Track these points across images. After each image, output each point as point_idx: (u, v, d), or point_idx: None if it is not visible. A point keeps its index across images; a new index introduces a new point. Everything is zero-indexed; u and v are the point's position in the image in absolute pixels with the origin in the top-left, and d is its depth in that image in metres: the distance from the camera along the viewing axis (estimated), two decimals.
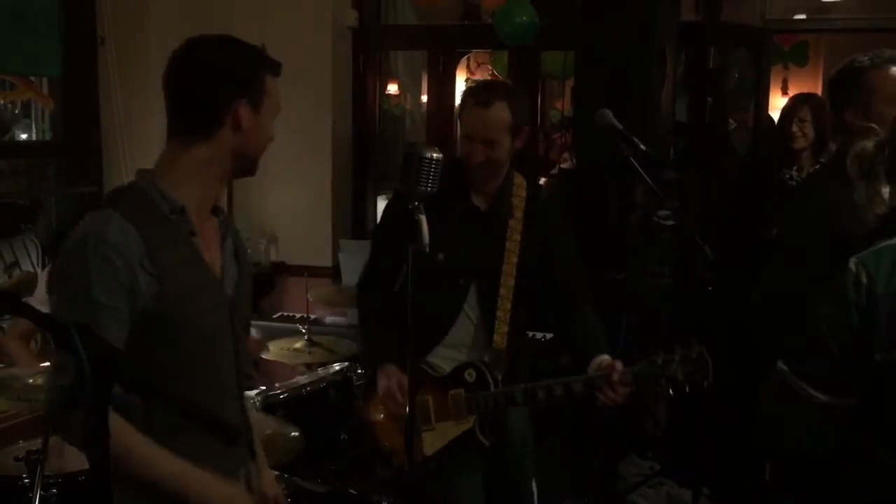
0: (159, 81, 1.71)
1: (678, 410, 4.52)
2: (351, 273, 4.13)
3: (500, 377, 2.51)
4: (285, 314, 4.49)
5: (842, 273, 1.79)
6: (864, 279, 1.74)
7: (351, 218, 5.03)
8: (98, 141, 4.09)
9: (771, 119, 4.82)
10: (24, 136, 4.77)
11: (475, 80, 6.17)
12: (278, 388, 3.31)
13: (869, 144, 1.90)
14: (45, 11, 3.85)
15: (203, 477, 1.63)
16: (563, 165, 5.14)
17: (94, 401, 1.10)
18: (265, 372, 3.67)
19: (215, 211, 1.78)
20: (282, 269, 4.85)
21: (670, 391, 2.33)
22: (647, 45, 3.70)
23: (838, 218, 2.13)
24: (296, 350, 3.54)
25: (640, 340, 3.67)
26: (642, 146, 2.84)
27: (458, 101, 4.32)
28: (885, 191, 1.86)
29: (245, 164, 1.76)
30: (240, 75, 1.68)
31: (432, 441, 2.49)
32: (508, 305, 2.52)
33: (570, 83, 4.52)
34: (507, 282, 2.52)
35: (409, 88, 6.34)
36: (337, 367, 3.51)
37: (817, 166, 3.90)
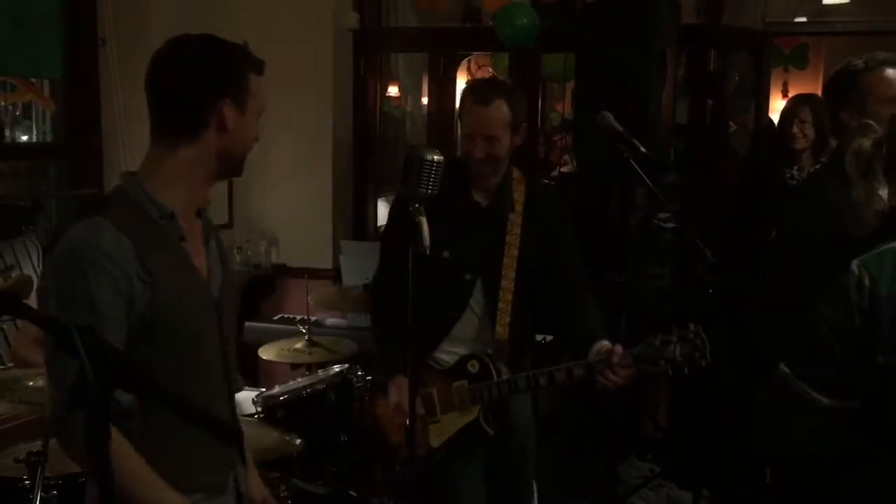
0: None
1: (678, 413, 4.52)
2: (351, 275, 4.13)
3: (502, 367, 2.56)
4: (286, 316, 4.49)
5: (844, 275, 1.78)
6: (867, 281, 1.74)
7: (351, 220, 5.03)
8: (99, 143, 4.09)
9: (771, 121, 4.82)
10: (24, 138, 4.78)
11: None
12: (278, 390, 3.31)
13: (867, 143, 1.91)
14: (46, 13, 3.86)
15: None
16: (564, 169, 5.14)
17: (96, 402, 1.10)
18: None
19: (198, 212, 1.78)
20: (282, 271, 4.86)
21: (669, 372, 2.34)
22: (647, 47, 3.70)
23: (838, 218, 2.14)
24: (296, 351, 3.55)
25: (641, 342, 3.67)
26: (642, 148, 2.85)
27: (458, 103, 4.33)
28: (884, 189, 1.86)
29: (231, 165, 1.73)
30: (223, 75, 1.66)
31: (438, 432, 2.54)
32: (510, 297, 2.57)
33: (570, 85, 4.53)
34: (508, 274, 2.57)
35: (410, 91, 6.34)
36: (337, 368, 3.51)
37: (818, 166, 3.91)
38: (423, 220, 2.04)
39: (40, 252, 3.70)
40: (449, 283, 2.54)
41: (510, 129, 2.53)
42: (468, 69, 6.54)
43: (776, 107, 5.38)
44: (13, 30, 3.71)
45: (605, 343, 2.45)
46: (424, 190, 2.07)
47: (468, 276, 2.58)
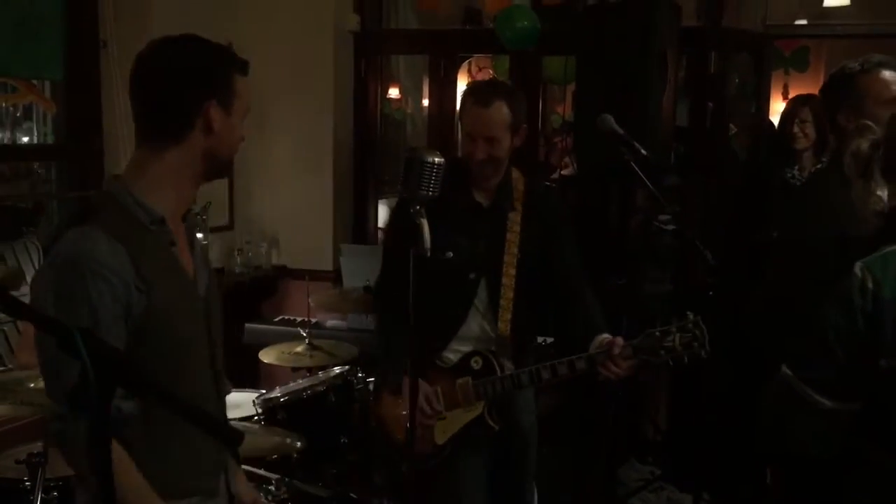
0: None
1: (678, 415, 4.52)
2: (352, 277, 4.14)
3: (506, 363, 2.59)
4: (286, 318, 4.50)
5: (847, 277, 1.78)
6: (871, 284, 1.74)
7: (352, 222, 5.04)
8: (100, 144, 4.09)
9: (771, 124, 4.82)
10: (25, 140, 4.78)
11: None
12: (279, 392, 3.32)
13: (864, 144, 1.92)
14: (47, 15, 3.86)
15: None
16: (564, 171, 5.14)
17: (98, 404, 1.10)
18: None
19: (183, 215, 1.77)
20: (283, 273, 4.86)
21: (670, 362, 2.37)
22: (647, 49, 3.70)
23: (838, 218, 2.15)
24: (296, 354, 3.55)
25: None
26: (643, 151, 2.85)
27: (459, 104, 4.33)
28: (883, 190, 1.87)
29: (217, 167, 1.72)
30: (209, 76, 1.65)
31: (444, 429, 2.56)
32: (511, 294, 2.61)
33: (571, 88, 4.53)
34: (509, 271, 2.61)
35: (411, 92, 6.34)
36: (337, 370, 3.51)
37: (818, 166, 3.92)
38: (424, 222, 2.05)
39: (41, 253, 3.70)
40: (453, 283, 2.58)
41: (510, 130, 2.56)
42: (469, 71, 6.54)
43: (776, 109, 5.38)
44: (14, 31, 3.71)
45: (606, 336, 2.48)
46: (425, 192, 2.08)
47: (472, 276, 2.61)
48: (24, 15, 3.75)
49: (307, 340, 3.56)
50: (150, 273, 1.59)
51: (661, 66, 3.74)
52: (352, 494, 3.05)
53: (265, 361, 3.57)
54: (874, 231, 1.91)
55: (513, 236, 2.63)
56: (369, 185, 5.06)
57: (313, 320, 4.10)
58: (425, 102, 5.74)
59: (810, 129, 4.03)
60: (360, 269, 3.97)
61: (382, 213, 5.26)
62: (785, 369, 1.87)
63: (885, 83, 2.39)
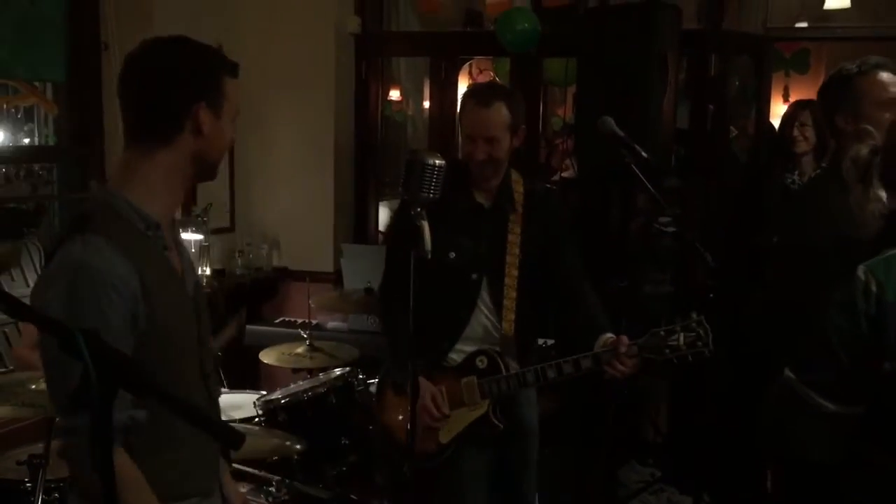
0: None
1: (679, 417, 4.52)
2: (352, 278, 4.14)
3: (511, 362, 2.61)
4: (287, 319, 4.50)
5: (850, 281, 1.78)
6: (874, 287, 1.74)
7: (353, 223, 5.04)
8: (101, 146, 4.10)
9: (772, 126, 4.83)
10: (27, 141, 4.79)
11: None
12: (279, 393, 3.32)
13: (864, 150, 1.93)
14: (49, 17, 3.87)
15: None
16: (565, 174, 5.15)
17: (100, 405, 1.10)
18: None
19: None
20: (284, 275, 4.86)
21: (674, 360, 2.39)
22: (648, 52, 3.71)
23: (837, 223, 2.15)
24: (297, 355, 3.55)
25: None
26: (644, 153, 2.86)
27: (459, 106, 4.33)
28: (882, 194, 1.87)
29: (206, 169, 1.71)
30: (199, 78, 1.64)
31: (448, 428, 2.59)
32: (514, 294, 2.63)
33: (571, 90, 4.54)
34: (511, 272, 2.64)
35: (412, 94, 6.34)
36: (338, 372, 3.52)
37: (818, 170, 3.93)
38: (425, 224, 2.07)
39: (42, 254, 3.71)
40: (456, 284, 2.61)
41: (509, 130, 2.59)
42: (470, 73, 6.55)
43: (777, 111, 5.38)
44: (16, 33, 3.72)
45: (610, 335, 2.50)
46: (426, 194, 2.09)
47: (474, 276, 2.63)
48: (26, 17, 3.76)
49: (308, 342, 3.56)
50: (152, 282, 1.59)
51: (661, 69, 3.75)
52: (352, 496, 3.05)
53: (266, 363, 3.57)
54: (874, 234, 1.91)
55: (514, 237, 2.66)
56: (370, 187, 5.06)
57: (314, 322, 4.10)
58: (426, 104, 5.75)
59: (810, 133, 4.04)
60: (361, 271, 3.98)
61: (383, 215, 5.26)
62: (788, 373, 1.87)
63: (883, 84, 2.40)
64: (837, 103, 2.45)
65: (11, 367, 3.43)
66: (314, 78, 4.75)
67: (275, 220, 4.89)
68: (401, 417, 2.60)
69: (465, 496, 2.63)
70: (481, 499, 2.66)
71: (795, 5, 6.10)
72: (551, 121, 6.53)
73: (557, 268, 2.71)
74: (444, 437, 2.59)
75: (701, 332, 2.38)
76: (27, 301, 1.37)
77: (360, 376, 3.44)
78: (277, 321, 4.49)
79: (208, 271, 4.40)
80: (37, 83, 4.09)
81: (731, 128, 5.06)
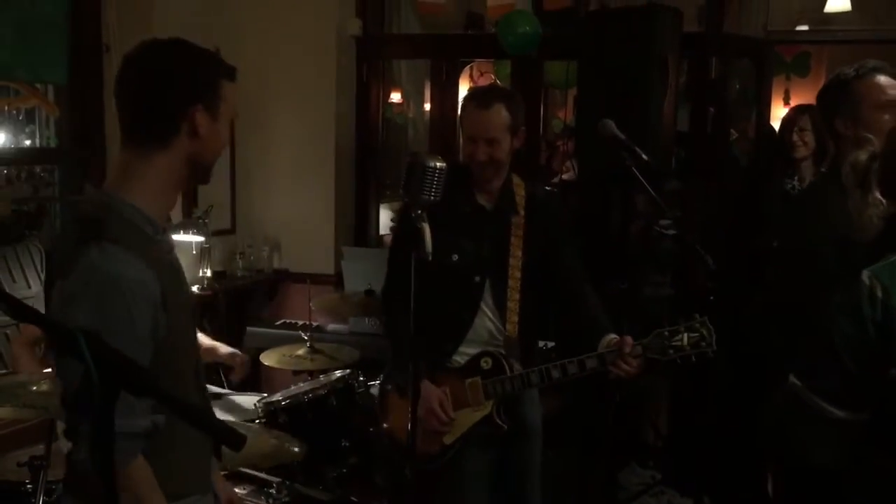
0: None
1: (679, 420, 4.52)
2: (353, 280, 4.15)
3: (515, 364, 2.62)
4: (287, 321, 4.50)
5: (854, 286, 1.77)
6: (879, 293, 1.73)
7: (353, 225, 5.04)
8: (102, 148, 4.10)
9: (772, 129, 4.83)
10: (28, 143, 4.79)
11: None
12: (280, 395, 3.32)
13: (863, 155, 1.93)
14: (50, 19, 3.87)
15: None
16: (565, 176, 5.15)
17: (101, 406, 1.11)
18: None
19: None
20: (284, 277, 4.87)
21: (678, 361, 2.42)
22: (649, 55, 3.72)
23: (837, 225, 2.16)
24: (298, 357, 3.55)
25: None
26: (644, 156, 2.86)
27: (460, 109, 4.33)
28: (881, 199, 1.87)
29: (200, 172, 1.71)
30: (196, 80, 1.64)
31: (452, 429, 2.60)
32: (517, 296, 2.65)
33: (572, 93, 4.54)
34: (515, 274, 2.66)
35: (413, 97, 6.34)
36: (338, 374, 3.51)
37: (818, 175, 3.93)
38: (426, 227, 2.07)
39: (43, 256, 3.71)
40: (459, 286, 2.63)
41: (510, 131, 2.62)
42: (470, 76, 6.56)
43: (777, 114, 5.39)
44: (18, 35, 3.72)
45: (614, 336, 2.52)
46: (427, 197, 2.09)
47: (477, 278, 2.65)
48: (27, 18, 3.76)
49: (308, 343, 3.56)
50: (168, 288, 1.60)
51: (662, 72, 3.75)
52: (353, 498, 3.05)
53: (266, 365, 3.58)
54: (873, 237, 1.91)
55: (516, 240, 2.67)
56: (371, 189, 5.07)
57: (314, 324, 4.11)
58: (427, 107, 5.75)
59: (809, 138, 4.04)
60: (362, 273, 3.99)
61: (384, 217, 5.27)
62: (793, 379, 1.86)
63: (881, 88, 2.41)
64: (836, 107, 2.46)
65: (13, 369, 3.43)
66: (315, 80, 4.76)
67: (276, 222, 4.89)
68: (402, 419, 2.60)
69: (467, 497, 2.64)
70: (483, 499, 2.67)
71: (796, 8, 6.12)
72: (552, 123, 6.53)
73: (558, 270, 2.73)
74: (448, 438, 2.60)
75: (704, 332, 2.41)
76: (27, 302, 1.37)
77: (361, 378, 3.44)
78: (278, 323, 4.50)
79: (209, 273, 4.40)
80: (38, 85, 4.09)
81: (732, 131, 5.06)
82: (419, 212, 2.08)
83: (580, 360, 2.49)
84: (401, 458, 2.64)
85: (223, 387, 3.54)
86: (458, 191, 2.59)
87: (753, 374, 3.12)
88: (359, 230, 5.05)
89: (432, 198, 2.10)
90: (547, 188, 3.09)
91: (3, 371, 3.52)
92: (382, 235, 5.27)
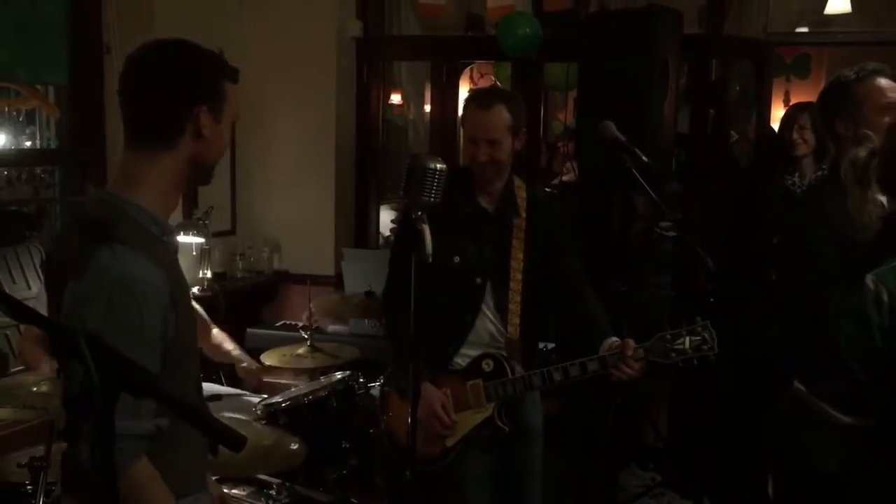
0: None
1: (679, 421, 4.52)
2: (353, 282, 4.14)
3: (516, 366, 2.62)
4: (288, 322, 4.50)
5: (858, 290, 1.76)
6: (885, 297, 1.72)
7: (354, 227, 5.04)
8: (103, 149, 4.11)
9: (773, 130, 4.84)
10: (28, 144, 4.79)
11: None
12: (280, 397, 3.32)
13: (862, 152, 1.94)
14: (51, 20, 3.88)
15: None
16: (565, 178, 5.15)
17: (102, 407, 1.11)
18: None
19: None
20: (284, 278, 4.87)
21: (680, 364, 2.42)
22: (649, 57, 3.72)
23: (837, 224, 2.16)
24: (298, 358, 3.55)
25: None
26: (644, 157, 2.87)
27: (461, 111, 4.33)
28: (881, 197, 1.87)
29: (202, 173, 1.72)
30: (201, 80, 1.64)
31: (453, 431, 2.60)
32: (519, 298, 2.66)
33: (572, 94, 4.54)
34: (516, 276, 2.66)
35: (413, 98, 6.35)
36: (339, 375, 3.51)
37: (818, 173, 3.95)
38: (426, 228, 2.07)
39: (43, 257, 3.71)
40: (461, 288, 2.63)
41: (511, 132, 2.62)
42: (471, 78, 6.56)
43: (777, 116, 5.37)
44: (18, 36, 3.73)
45: (615, 339, 2.53)
46: (427, 198, 2.09)
47: (478, 280, 2.65)
48: (28, 19, 3.77)
49: (308, 344, 3.56)
50: (176, 289, 1.60)
51: (662, 73, 3.75)
52: (353, 499, 3.05)
53: (266, 364, 3.57)
54: (873, 236, 1.91)
55: (518, 242, 2.68)
56: (371, 191, 5.07)
57: (314, 325, 4.10)
58: (427, 108, 5.75)
59: (809, 136, 4.05)
60: (362, 274, 3.98)
61: (384, 219, 5.27)
62: (797, 385, 1.85)
63: (881, 90, 2.42)
64: (837, 109, 2.47)
65: (14, 369, 3.44)
66: (315, 81, 4.76)
67: (276, 223, 4.89)
68: (404, 421, 2.61)
69: (468, 498, 2.64)
70: (483, 501, 2.67)
71: (796, 10, 6.12)
72: (552, 125, 6.53)
73: (559, 271, 2.73)
74: (449, 441, 2.60)
75: (706, 335, 2.41)
76: (28, 303, 1.37)
77: (361, 380, 3.44)
78: (278, 324, 4.50)
79: (209, 274, 4.40)
80: (38, 86, 4.10)
81: (732, 132, 5.06)
82: (419, 213, 2.08)
83: (582, 363, 2.50)
84: (401, 459, 2.64)
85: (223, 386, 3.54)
86: (460, 192, 2.60)
87: (754, 375, 3.12)
88: (359, 231, 5.05)
89: (432, 199, 2.10)
90: (547, 190, 3.09)
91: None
92: (387, 237, 5.28)
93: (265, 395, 3.43)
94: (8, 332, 3.57)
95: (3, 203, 4.38)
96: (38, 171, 4.64)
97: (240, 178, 4.76)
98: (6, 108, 4.39)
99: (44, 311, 1.56)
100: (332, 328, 4.28)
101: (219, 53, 1.71)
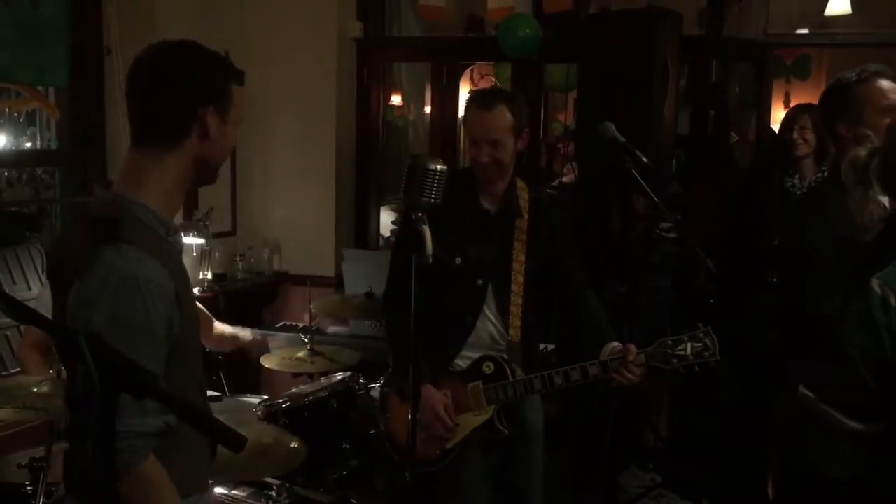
0: None
1: (679, 423, 4.52)
2: (353, 283, 4.14)
3: (517, 369, 2.62)
4: (288, 323, 4.50)
5: (864, 294, 1.74)
6: (893, 300, 1.70)
7: (354, 228, 5.05)
8: (104, 150, 4.11)
9: (773, 132, 4.84)
10: (29, 145, 4.80)
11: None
12: (280, 397, 3.32)
13: (862, 152, 1.93)
14: (51, 22, 3.88)
15: None
16: (565, 179, 5.15)
17: (102, 408, 1.11)
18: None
19: None
20: (285, 279, 4.87)
21: (681, 370, 2.42)
22: (649, 58, 3.72)
23: (837, 225, 2.16)
24: (298, 359, 3.55)
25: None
26: (644, 159, 2.87)
27: (461, 112, 4.34)
28: (883, 198, 1.87)
29: (207, 173, 1.72)
30: (208, 81, 1.65)
31: (454, 433, 2.59)
32: (520, 300, 2.66)
33: (572, 96, 4.55)
34: (518, 278, 2.66)
35: (413, 99, 6.36)
36: (339, 376, 3.51)
37: (819, 174, 3.95)
38: (426, 229, 2.07)
39: (44, 258, 3.72)
40: (462, 289, 2.63)
41: (513, 133, 2.62)
42: (471, 79, 6.56)
43: (778, 117, 5.38)
44: (19, 38, 3.73)
45: (617, 343, 2.53)
46: (427, 199, 2.09)
47: (479, 282, 2.65)
48: (29, 21, 3.77)
49: (308, 346, 3.56)
50: (181, 288, 1.61)
51: (662, 75, 3.76)
52: (353, 500, 3.05)
53: (267, 367, 3.57)
54: (875, 237, 1.91)
55: (520, 244, 2.67)
56: (371, 192, 5.07)
57: (314, 326, 4.10)
58: (427, 109, 5.76)
59: (810, 136, 4.05)
60: (362, 275, 3.98)
61: (384, 220, 5.27)
62: (804, 390, 1.83)
63: (882, 91, 2.42)
64: (838, 111, 2.47)
65: (13, 370, 3.44)
66: (316, 82, 4.77)
67: (276, 224, 4.90)
68: (403, 422, 2.61)
69: (468, 500, 2.63)
70: (483, 502, 2.66)
71: (796, 11, 6.12)
72: (552, 126, 6.53)
73: (559, 273, 2.74)
74: (450, 442, 2.60)
75: (708, 342, 2.41)
76: (28, 304, 1.37)
77: (361, 381, 3.44)
78: (278, 325, 4.50)
79: (209, 275, 4.40)
80: (39, 87, 4.10)
81: (732, 134, 5.06)
82: (420, 214, 2.08)
83: (583, 367, 2.49)
84: (401, 460, 2.64)
85: (224, 391, 3.54)
86: (462, 193, 2.60)
87: (754, 377, 3.12)
88: (359, 232, 5.06)
89: (432, 200, 2.10)
90: (548, 191, 3.09)
91: (4, 372, 3.53)
92: (387, 238, 5.28)
93: (265, 396, 3.44)
94: (8, 333, 3.57)
95: (4, 204, 4.38)
96: (39, 172, 4.64)
97: (240, 179, 4.77)
98: (7, 109, 4.40)
99: (44, 311, 1.56)
100: (332, 329, 4.28)
101: (225, 55, 1.72)
